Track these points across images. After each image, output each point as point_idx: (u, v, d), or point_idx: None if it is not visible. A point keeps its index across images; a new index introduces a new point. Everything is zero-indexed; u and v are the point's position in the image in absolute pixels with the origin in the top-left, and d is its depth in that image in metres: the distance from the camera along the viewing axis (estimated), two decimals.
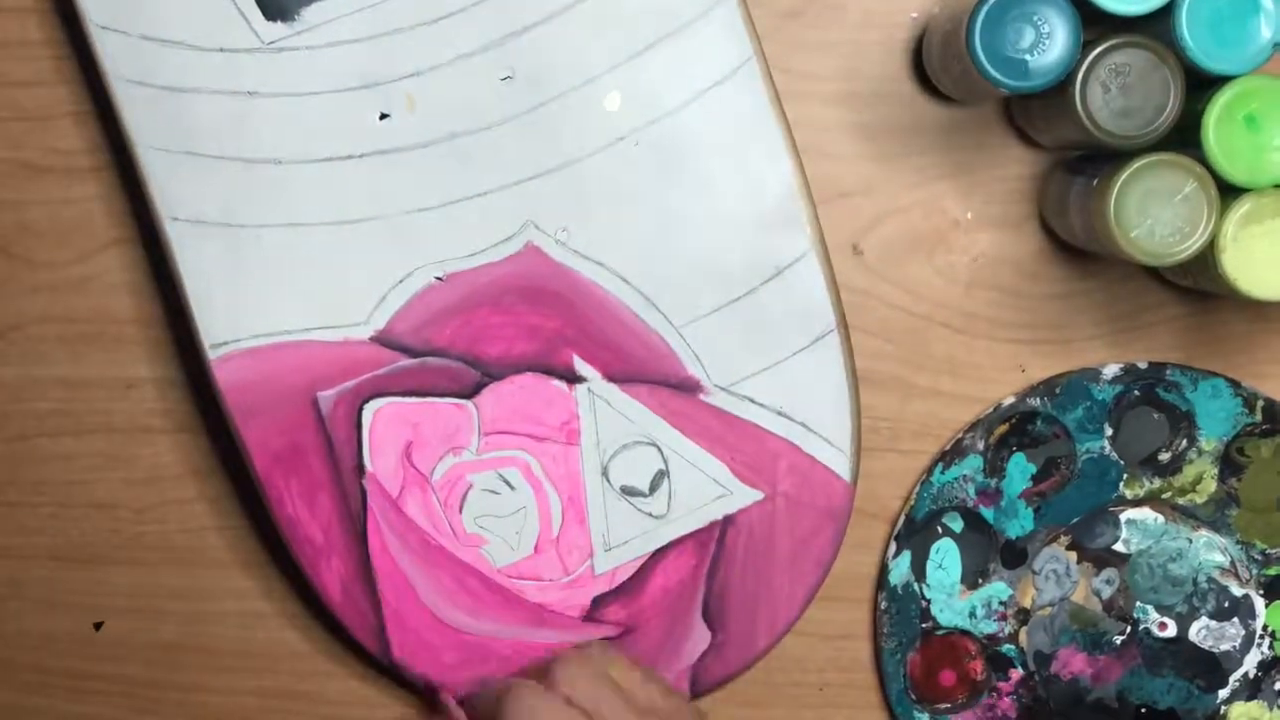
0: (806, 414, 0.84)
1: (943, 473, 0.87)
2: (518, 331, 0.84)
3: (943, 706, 0.88)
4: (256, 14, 0.82)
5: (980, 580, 0.88)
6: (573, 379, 0.84)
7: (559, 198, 0.83)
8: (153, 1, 0.82)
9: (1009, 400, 0.87)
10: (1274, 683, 0.88)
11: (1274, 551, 0.87)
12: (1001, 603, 0.88)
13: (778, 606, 0.85)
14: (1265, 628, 0.88)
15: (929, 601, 0.87)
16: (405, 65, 0.82)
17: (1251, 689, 0.88)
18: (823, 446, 0.84)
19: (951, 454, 0.87)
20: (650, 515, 0.85)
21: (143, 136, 0.83)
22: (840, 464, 0.85)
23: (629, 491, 0.85)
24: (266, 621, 0.90)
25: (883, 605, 0.88)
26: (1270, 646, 0.88)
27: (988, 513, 0.87)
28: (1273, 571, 0.87)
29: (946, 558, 0.87)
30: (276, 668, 0.89)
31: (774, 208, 0.83)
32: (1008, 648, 0.88)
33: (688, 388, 0.84)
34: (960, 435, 0.87)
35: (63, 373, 0.89)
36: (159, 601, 0.90)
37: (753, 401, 0.84)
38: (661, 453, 0.84)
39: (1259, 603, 0.88)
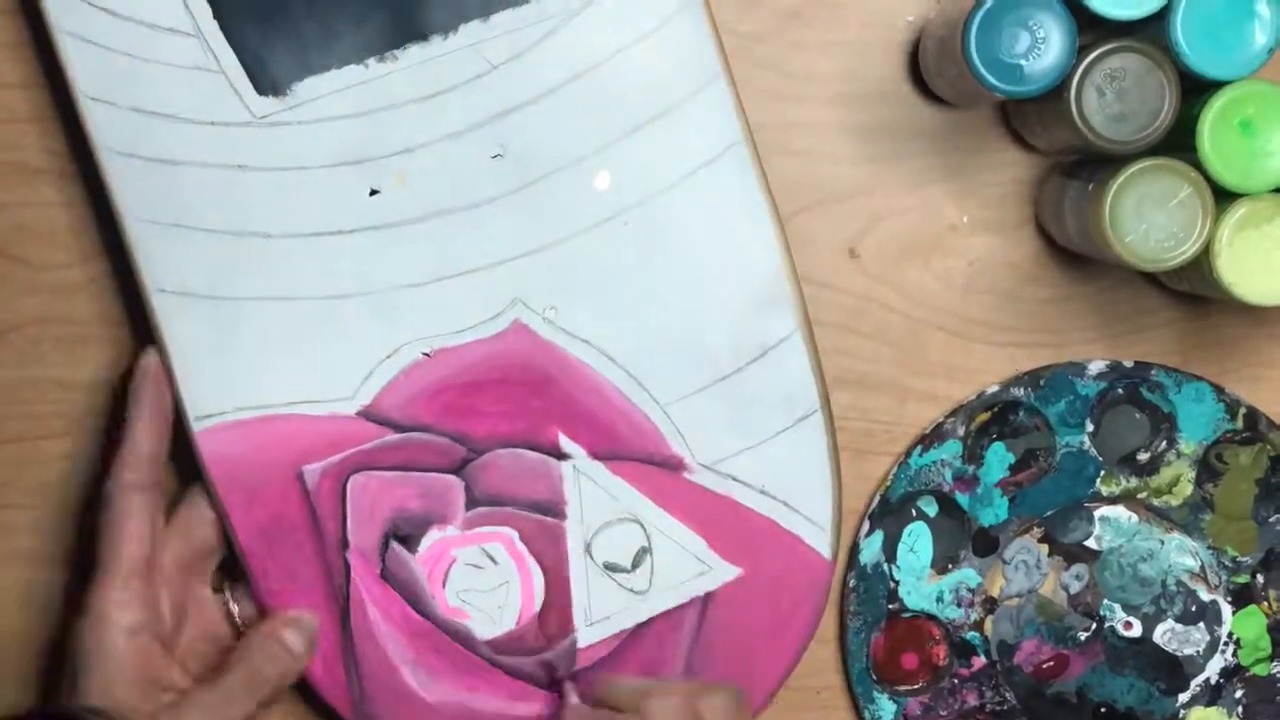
0: (789, 493, 0.85)
1: (921, 455, 0.87)
2: (504, 408, 0.84)
3: (902, 689, 0.89)
4: (248, 88, 0.82)
5: (950, 565, 0.88)
6: (558, 456, 0.84)
7: (547, 276, 0.83)
8: (144, 74, 0.82)
9: (993, 388, 0.87)
10: (1235, 690, 0.89)
11: (1245, 559, 0.88)
12: (970, 590, 0.88)
13: (756, 681, 0.86)
14: (1230, 635, 0.89)
15: (897, 583, 0.88)
16: (396, 142, 0.82)
17: (1212, 695, 0.89)
18: (804, 524, 0.85)
19: (932, 437, 0.87)
20: (632, 591, 0.85)
21: (131, 208, 0.83)
22: (821, 542, 0.85)
23: (612, 567, 0.85)
24: None
25: (851, 583, 0.88)
26: (1234, 654, 0.89)
27: (963, 499, 0.88)
28: (1242, 579, 0.88)
29: (918, 541, 0.88)
30: None
31: (761, 288, 0.84)
32: (972, 635, 0.88)
33: (672, 466, 0.85)
34: (942, 419, 0.87)
35: (60, 374, 0.88)
36: None
37: (736, 480, 0.85)
38: (645, 529, 0.85)
39: (1226, 609, 0.88)
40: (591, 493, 0.85)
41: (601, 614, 0.85)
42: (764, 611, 0.85)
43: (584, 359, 0.84)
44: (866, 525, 0.88)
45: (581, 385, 0.84)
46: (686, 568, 0.85)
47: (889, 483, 0.87)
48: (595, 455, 0.84)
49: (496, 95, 0.82)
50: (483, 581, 0.85)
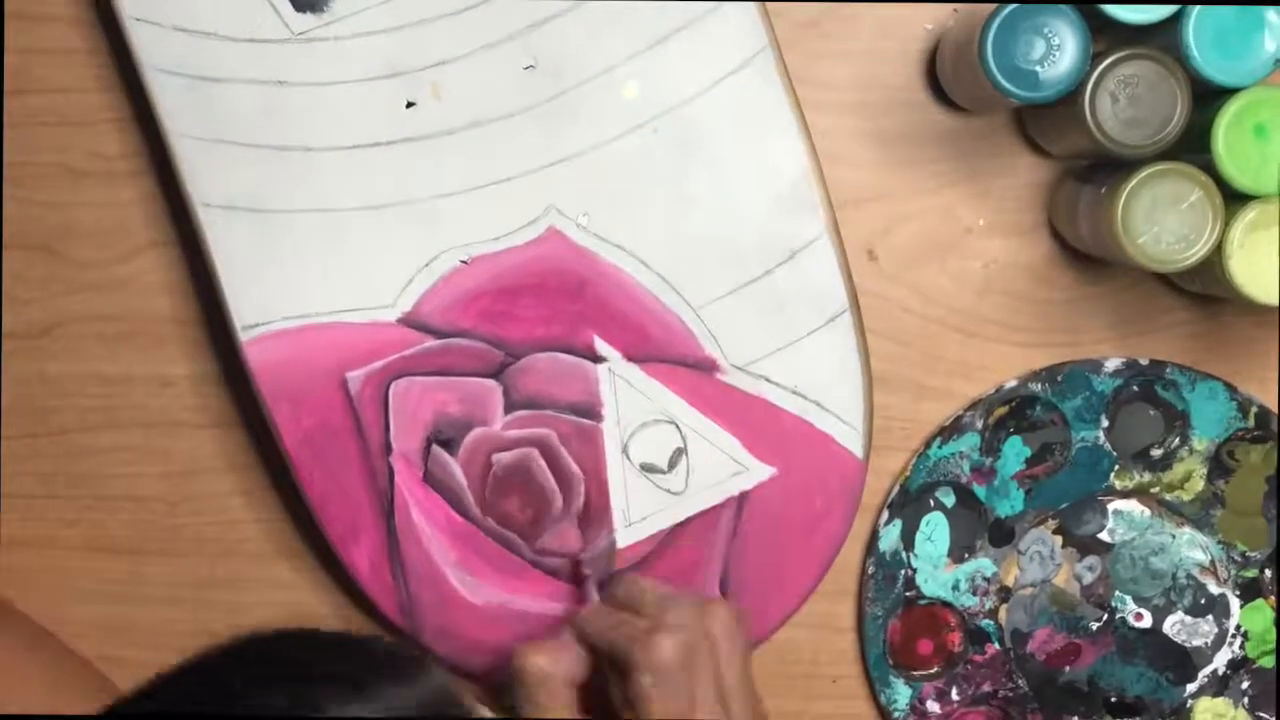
0: (820, 392, 0.87)
1: (940, 447, 0.89)
2: (540, 313, 0.86)
3: (918, 674, 0.90)
4: (286, 6, 0.84)
5: (966, 555, 0.90)
6: (594, 359, 0.86)
7: (580, 183, 0.85)
8: None
9: (1011, 383, 0.89)
10: (1241, 681, 0.90)
11: (1254, 554, 0.90)
12: (985, 579, 0.90)
13: (792, 579, 0.88)
14: (1238, 628, 0.90)
15: (914, 571, 0.90)
16: (431, 55, 0.85)
17: (1219, 686, 0.90)
18: (836, 424, 0.87)
19: (951, 429, 0.89)
20: (669, 492, 0.87)
21: (176, 125, 0.85)
22: (853, 440, 0.87)
23: (648, 468, 0.87)
24: (300, 611, 0.91)
25: (870, 570, 0.89)
26: (1241, 646, 0.90)
27: (980, 490, 0.89)
28: (1250, 574, 0.90)
29: (936, 530, 0.90)
30: None
31: (788, 192, 0.86)
32: (986, 623, 0.90)
33: (705, 367, 0.86)
34: (961, 412, 0.89)
35: (103, 369, 0.91)
36: (193, 591, 0.91)
37: (768, 380, 0.86)
38: (680, 431, 0.87)
39: (1234, 603, 0.90)
40: (627, 394, 0.86)
41: (640, 515, 0.87)
42: (798, 511, 0.87)
43: (617, 263, 0.86)
44: (885, 514, 0.89)
45: (615, 289, 0.86)
46: (722, 468, 0.87)
47: (908, 473, 0.89)
48: (630, 358, 0.86)
49: (527, 7, 0.84)
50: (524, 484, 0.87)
